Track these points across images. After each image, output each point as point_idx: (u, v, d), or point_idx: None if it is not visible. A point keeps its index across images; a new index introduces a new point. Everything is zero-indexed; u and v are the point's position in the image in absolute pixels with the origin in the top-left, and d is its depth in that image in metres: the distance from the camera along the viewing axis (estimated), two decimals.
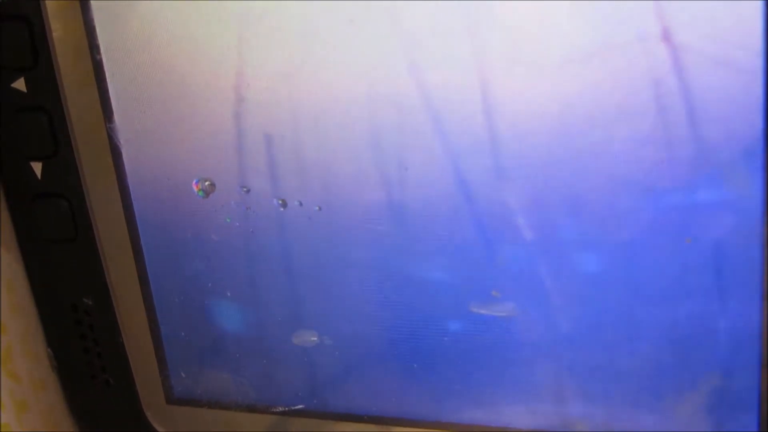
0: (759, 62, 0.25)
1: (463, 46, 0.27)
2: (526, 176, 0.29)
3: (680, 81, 0.26)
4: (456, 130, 0.29)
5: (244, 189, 0.32)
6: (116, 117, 0.32)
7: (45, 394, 0.37)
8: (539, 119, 0.28)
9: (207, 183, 0.32)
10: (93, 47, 0.31)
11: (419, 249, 0.31)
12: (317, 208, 0.31)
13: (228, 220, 0.32)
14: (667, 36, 0.26)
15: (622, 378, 0.30)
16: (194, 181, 0.32)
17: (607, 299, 0.29)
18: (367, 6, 0.28)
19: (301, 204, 0.31)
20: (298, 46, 0.29)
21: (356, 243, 0.31)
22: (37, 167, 0.34)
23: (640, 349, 0.30)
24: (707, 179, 0.27)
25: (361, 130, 0.30)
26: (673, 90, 0.26)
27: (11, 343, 0.35)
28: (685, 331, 0.29)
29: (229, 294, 0.34)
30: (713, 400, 0.29)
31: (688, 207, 0.27)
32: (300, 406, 0.35)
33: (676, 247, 0.28)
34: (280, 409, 0.35)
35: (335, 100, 0.30)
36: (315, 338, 0.33)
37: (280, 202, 0.31)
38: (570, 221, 0.29)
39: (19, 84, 0.33)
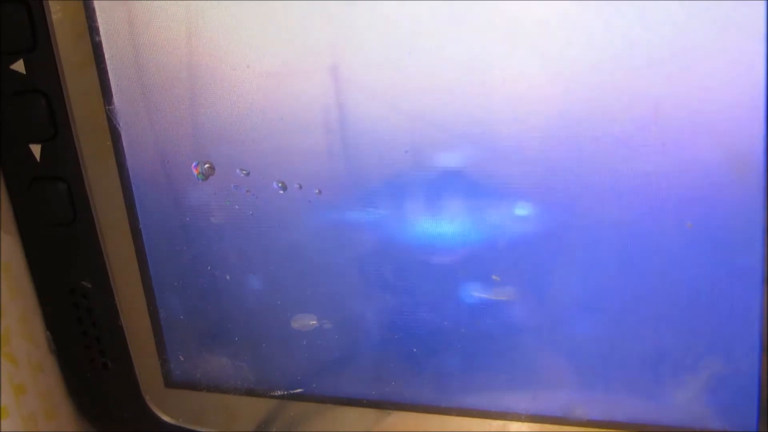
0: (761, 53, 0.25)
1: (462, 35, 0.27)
2: (528, 160, 0.28)
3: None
4: (456, 113, 0.29)
5: (244, 172, 0.32)
6: (116, 99, 0.32)
7: (43, 377, 0.37)
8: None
9: (206, 166, 0.32)
10: (92, 29, 0.31)
11: (419, 233, 0.30)
12: (317, 191, 0.31)
13: (227, 203, 0.32)
14: None
15: (622, 364, 0.30)
16: (193, 164, 0.32)
17: (606, 284, 0.29)
18: None
19: (300, 187, 0.31)
20: (297, 29, 0.29)
21: (356, 226, 0.31)
22: (36, 150, 0.34)
23: (639, 334, 0.30)
24: (709, 163, 0.27)
25: (360, 112, 0.29)
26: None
27: (9, 326, 0.35)
28: (685, 317, 0.29)
29: (228, 277, 0.34)
30: (712, 388, 0.29)
31: (690, 192, 0.27)
32: (299, 390, 0.35)
33: (676, 232, 0.28)
34: (279, 393, 0.35)
35: (334, 83, 0.29)
36: (314, 322, 0.33)
37: (280, 185, 0.31)
38: (571, 205, 0.29)
39: (18, 66, 0.33)
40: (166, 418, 0.37)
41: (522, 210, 0.29)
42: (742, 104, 0.26)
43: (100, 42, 0.31)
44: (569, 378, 0.31)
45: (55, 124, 0.33)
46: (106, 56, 0.32)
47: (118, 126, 0.33)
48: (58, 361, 0.38)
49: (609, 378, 0.31)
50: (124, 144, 0.33)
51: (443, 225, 0.30)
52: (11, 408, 0.35)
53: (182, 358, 0.36)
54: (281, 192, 0.31)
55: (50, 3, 0.31)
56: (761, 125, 0.26)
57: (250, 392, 0.35)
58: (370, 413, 0.34)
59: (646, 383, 0.30)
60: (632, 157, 0.27)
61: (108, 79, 0.32)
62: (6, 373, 0.35)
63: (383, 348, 0.33)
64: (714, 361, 0.29)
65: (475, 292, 0.31)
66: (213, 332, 0.35)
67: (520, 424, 0.32)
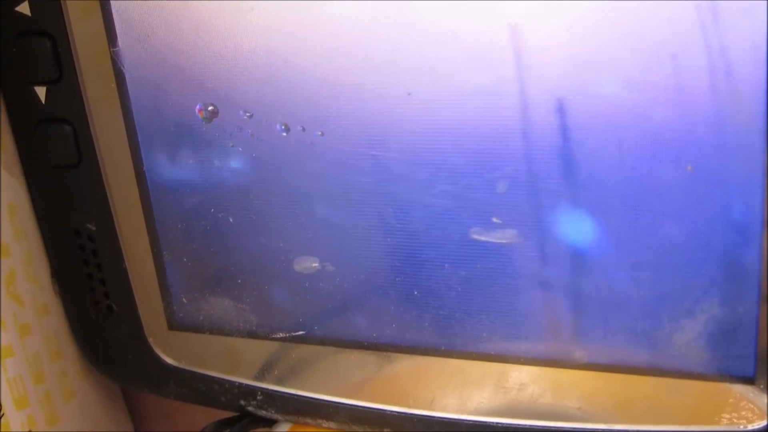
0: None
1: None
2: (529, 105, 0.28)
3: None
4: (459, 55, 0.29)
5: (247, 114, 0.32)
6: (120, 42, 0.32)
7: (48, 318, 0.38)
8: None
9: (210, 108, 0.32)
10: None
11: (421, 175, 0.31)
12: (320, 133, 0.31)
13: (231, 145, 0.32)
14: None
15: (621, 308, 0.30)
16: (197, 107, 0.32)
17: (606, 228, 0.29)
18: None
19: (303, 129, 0.31)
20: None
21: (358, 168, 0.31)
22: (41, 92, 0.34)
23: (639, 278, 0.30)
24: (710, 107, 0.27)
25: (364, 54, 0.29)
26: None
27: (14, 267, 0.36)
28: (684, 261, 0.29)
29: (231, 220, 0.34)
30: (709, 333, 0.30)
31: (690, 135, 0.27)
32: (300, 333, 0.35)
33: (676, 175, 0.28)
34: (281, 335, 0.35)
35: (338, 25, 0.29)
36: (316, 264, 0.33)
37: (283, 127, 0.31)
38: (572, 149, 0.29)
39: (23, 8, 0.33)
40: (169, 360, 0.38)
41: (524, 153, 0.29)
42: (743, 47, 0.26)
43: None
44: (568, 321, 0.31)
45: (60, 67, 0.33)
46: None
47: (122, 68, 0.33)
48: (62, 304, 0.39)
49: (608, 321, 0.31)
50: (129, 86, 0.33)
51: (446, 167, 0.30)
52: (16, 347, 0.35)
53: (185, 301, 0.36)
54: (284, 134, 0.32)
55: None
56: (763, 68, 0.26)
57: (253, 335, 0.36)
58: (371, 356, 0.34)
59: (645, 327, 0.30)
60: (633, 100, 0.27)
61: (113, 21, 0.32)
62: (11, 312, 0.35)
63: (385, 291, 0.33)
64: (712, 306, 0.29)
65: (476, 235, 0.31)
66: (216, 275, 0.35)
67: (519, 366, 0.32)
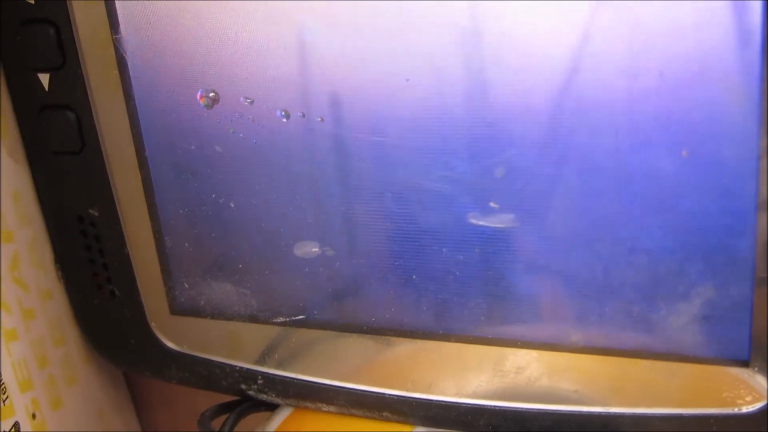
0: None
1: None
2: (525, 90, 0.29)
3: None
4: (456, 42, 0.29)
5: (248, 100, 0.32)
6: (122, 28, 0.33)
7: (52, 303, 0.38)
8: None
9: (211, 95, 0.32)
10: None
11: (420, 160, 0.31)
12: (319, 119, 0.31)
13: (232, 132, 0.33)
14: None
15: (616, 292, 0.31)
16: (198, 93, 0.33)
17: (602, 213, 0.30)
18: None
19: (303, 115, 0.32)
20: None
21: (357, 154, 0.31)
22: (44, 79, 0.34)
23: (634, 262, 0.30)
24: (704, 91, 0.27)
25: (363, 40, 0.30)
26: None
27: (18, 252, 0.36)
28: (679, 245, 0.29)
29: (232, 205, 0.34)
30: (704, 317, 0.30)
31: (686, 121, 0.27)
32: (301, 317, 0.35)
33: (672, 161, 0.28)
34: (282, 320, 0.36)
35: (337, 11, 0.30)
36: (316, 249, 0.34)
37: (284, 113, 0.32)
38: (567, 133, 0.29)
39: None
40: (171, 345, 0.38)
41: (521, 138, 0.29)
42: (738, 32, 0.26)
43: None
44: (564, 306, 0.31)
45: (63, 54, 0.34)
46: None
47: (124, 55, 0.33)
48: (66, 289, 0.39)
49: (603, 305, 0.31)
50: (131, 73, 0.33)
51: (444, 152, 0.30)
52: (20, 331, 0.36)
53: (187, 286, 0.36)
54: (284, 120, 0.32)
55: None
56: (758, 54, 0.26)
57: (253, 319, 0.36)
58: (370, 340, 0.35)
59: (641, 311, 0.30)
60: (629, 86, 0.28)
61: (115, 8, 0.32)
62: (15, 297, 0.35)
63: (384, 275, 0.33)
64: (707, 290, 0.29)
65: (474, 220, 0.31)
66: (217, 260, 0.35)
67: (517, 350, 0.33)
